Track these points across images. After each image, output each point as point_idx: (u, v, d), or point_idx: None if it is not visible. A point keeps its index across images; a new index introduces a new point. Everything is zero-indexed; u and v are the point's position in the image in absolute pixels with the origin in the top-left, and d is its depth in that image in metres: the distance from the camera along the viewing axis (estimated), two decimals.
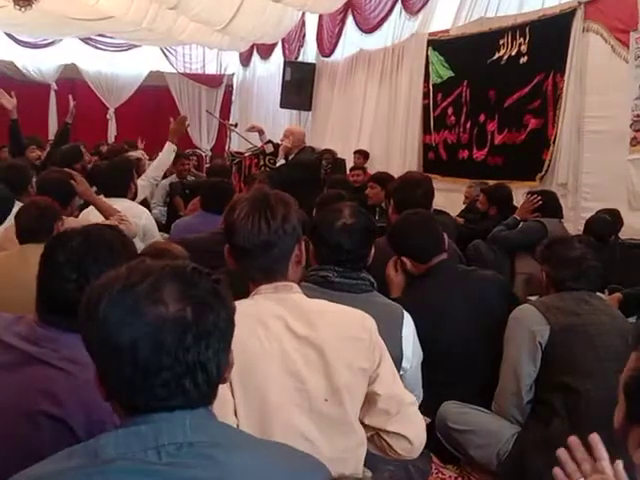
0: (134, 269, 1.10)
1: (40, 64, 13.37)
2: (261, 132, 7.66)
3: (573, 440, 1.38)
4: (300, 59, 11.36)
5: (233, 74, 14.81)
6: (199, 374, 1.07)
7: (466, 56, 7.25)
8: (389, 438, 1.82)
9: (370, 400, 1.79)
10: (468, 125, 7.20)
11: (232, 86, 14.81)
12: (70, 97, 6.52)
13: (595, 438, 1.34)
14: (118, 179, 4.17)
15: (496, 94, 6.73)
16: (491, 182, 6.07)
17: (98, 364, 1.10)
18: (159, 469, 1.03)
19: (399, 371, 2.21)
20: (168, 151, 4.83)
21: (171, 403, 1.07)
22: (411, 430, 1.84)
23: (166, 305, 1.05)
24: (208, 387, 1.10)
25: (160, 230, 4.75)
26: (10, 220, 3.64)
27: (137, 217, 3.98)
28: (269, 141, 7.28)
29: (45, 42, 13.17)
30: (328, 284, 2.21)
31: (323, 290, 2.17)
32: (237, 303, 1.66)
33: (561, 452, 1.37)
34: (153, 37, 11.02)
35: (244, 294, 1.75)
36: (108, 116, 13.68)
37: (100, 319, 1.05)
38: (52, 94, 13.26)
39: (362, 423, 1.80)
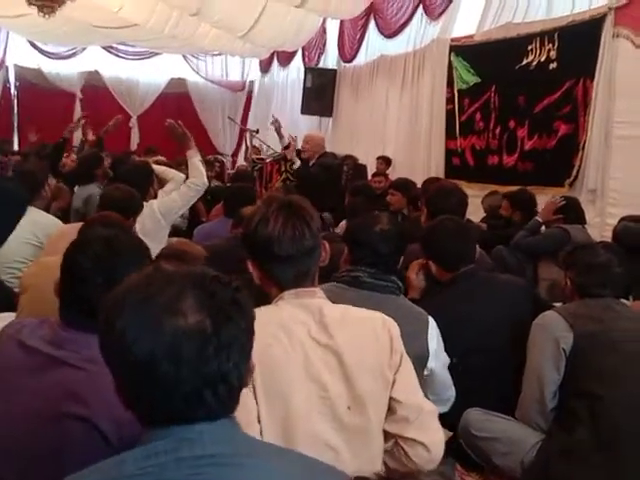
0: (153, 278, 1.08)
1: (62, 70, 13.46)
2: (279, 127, 7.57)
3: None
4: (320, 65, 11.36)
5: (254, 80, 14.84)
6: (220, 386, 1.05)
7: (493, 62, 7.20)
8: (406, 445, 1.78)
9: (390, 406, 1.77)
10: (498, 131, 7.13)
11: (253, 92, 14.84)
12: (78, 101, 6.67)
13: None
14: (137, 182, 4.16)
15: (526, 100, 6.68)
16: (499, 190, 6.06)
17: (116, 377, 1.08)
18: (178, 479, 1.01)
19: (426, 370, 2.24)
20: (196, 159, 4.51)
21: (191, 415, 1.04)
22: (428, 437, 1.79)
23: (185, 317, 1.02)
24: (229, 397, 1.08)
25: (180, 236, 4.76)
26: (48, 230, 3.69)
27: (150, 211, 4.07)
28: (288, 145, 7.25)
29: (68, 53, 13.28)
30: (359, 284, 2.30)
31: (353, 289, 2.27)
32: (261, 309, 1.67)
33: None
34: (175, 44, 11.09)
35: (263, 302, 1.74)
36: (131, 124, 13.74)
37: (118, 332, 1.03)
38: (77, 102, 13.37)
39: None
